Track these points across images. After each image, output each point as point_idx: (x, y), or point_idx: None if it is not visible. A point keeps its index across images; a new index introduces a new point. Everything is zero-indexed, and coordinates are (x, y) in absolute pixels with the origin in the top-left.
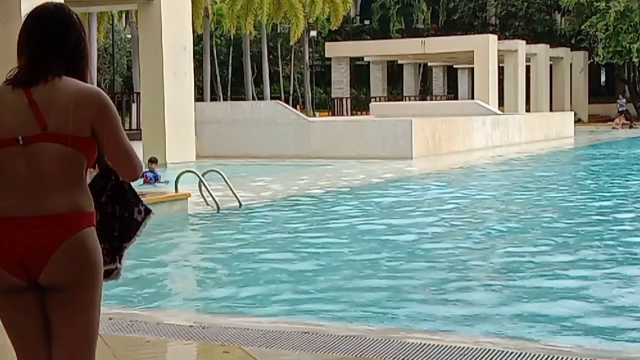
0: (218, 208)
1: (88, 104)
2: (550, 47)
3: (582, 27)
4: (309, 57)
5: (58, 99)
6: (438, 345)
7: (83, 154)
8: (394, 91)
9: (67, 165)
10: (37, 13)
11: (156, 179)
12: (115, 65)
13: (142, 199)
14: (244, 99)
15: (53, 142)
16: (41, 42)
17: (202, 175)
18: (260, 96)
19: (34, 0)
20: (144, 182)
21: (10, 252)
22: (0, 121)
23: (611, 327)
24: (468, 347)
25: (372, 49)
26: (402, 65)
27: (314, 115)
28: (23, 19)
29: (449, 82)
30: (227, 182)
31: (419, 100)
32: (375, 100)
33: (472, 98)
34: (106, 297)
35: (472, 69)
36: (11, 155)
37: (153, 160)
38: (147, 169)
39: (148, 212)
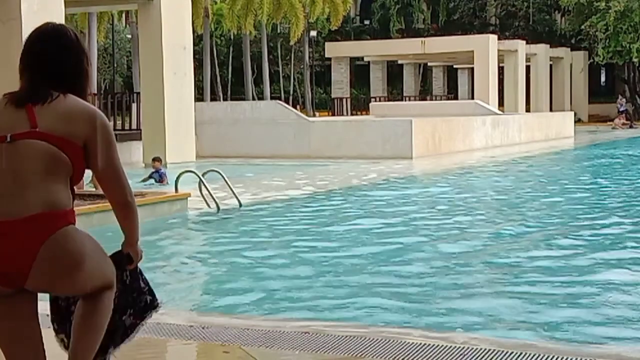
0: (218, 208)
1: (85, 119)
2: (550, 47)
3: (582, 27)
4: (309, 57)
5: (56, 108)
6: (438, 345)
7: (69, 159)
8: (394, 91)
9: (49, 163)
10: (37, 36)
11: (161, 177)
12: (115, 65)
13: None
14: (244, 99)
15: (40, 139)
16: (41, 66)
17: (202, 175)
18: (260, 96)
19: (34, 1)
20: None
21: None
22: None
23: (611, 328)
24: (468, 347)
25: (372, 49)
26: (402, 65)
27: (314, 115)
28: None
29: (449, 82)
30: (227, 182)
31: (419, 100)
32: (375, 100)
33: (472, 98)
34: None
35: (472, 69)
36: None
37: (157, 159)
38: (152, 169)
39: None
